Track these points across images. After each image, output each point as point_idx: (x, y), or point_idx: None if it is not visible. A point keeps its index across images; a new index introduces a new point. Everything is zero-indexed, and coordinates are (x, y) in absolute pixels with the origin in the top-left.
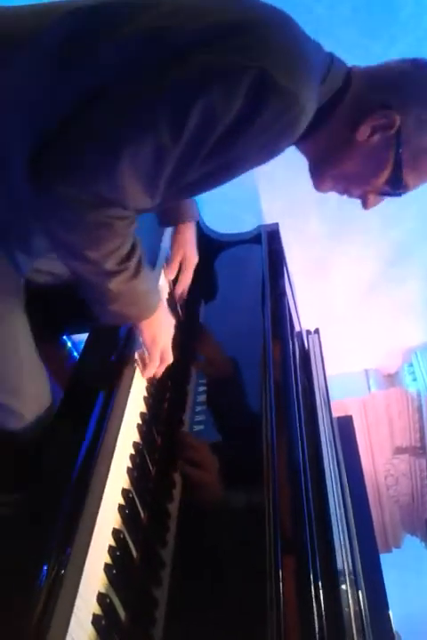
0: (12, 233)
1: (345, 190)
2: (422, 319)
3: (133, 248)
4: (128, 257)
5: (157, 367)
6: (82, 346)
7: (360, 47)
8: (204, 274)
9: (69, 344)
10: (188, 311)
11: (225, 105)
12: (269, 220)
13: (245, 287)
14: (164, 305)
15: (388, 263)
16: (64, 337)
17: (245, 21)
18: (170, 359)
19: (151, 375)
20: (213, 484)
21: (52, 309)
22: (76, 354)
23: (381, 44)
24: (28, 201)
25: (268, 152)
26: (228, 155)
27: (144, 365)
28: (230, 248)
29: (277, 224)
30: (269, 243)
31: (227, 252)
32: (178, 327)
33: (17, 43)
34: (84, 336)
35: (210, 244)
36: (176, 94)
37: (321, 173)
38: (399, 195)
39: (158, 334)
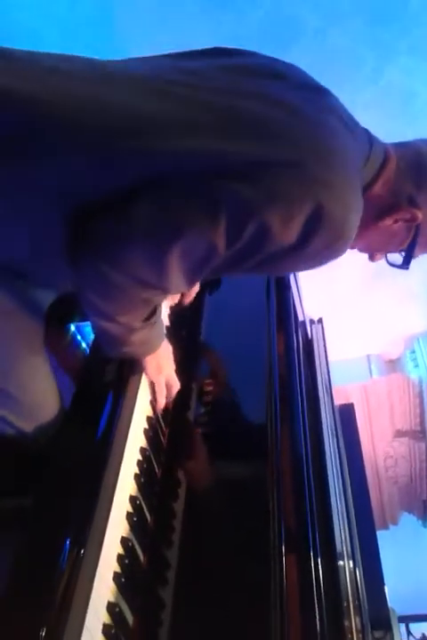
0: (39, 282)
1: (356, 250)
2: (425, 306)
3: (156, 305)
4: (152, 314)
5: (165, 395)
6: (90, 340)
7: (370, 36)
8: None
9: (73, 328)
10: (191, 304)
11: (281, 228)
12: None
13: (249, 279)
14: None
15: None
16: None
17: (310, 151)
18: (177, 385)
19: (163, 404)
20: (218, 476)
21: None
22: (79, 337)
23: (391, 34)
24: (57, 261)
25: (311, 267)
26: (272, 266)
27: (154, 396)
28: None
29: None
30: None
31: None
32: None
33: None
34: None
35: None
36: (239, 207)
37: None
38: (407, 268)
39: (162, 363)
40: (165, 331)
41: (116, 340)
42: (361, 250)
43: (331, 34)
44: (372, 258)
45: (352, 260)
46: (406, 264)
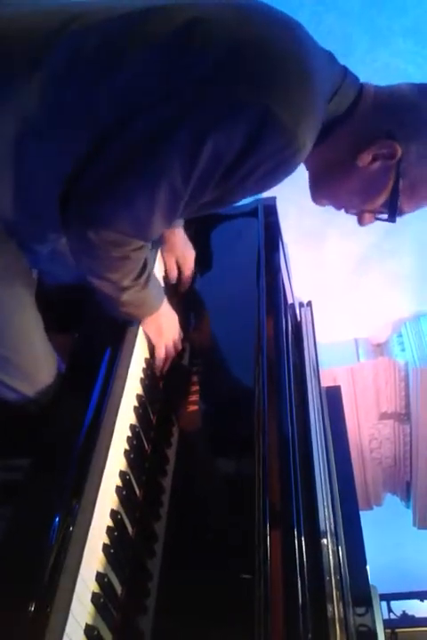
0: (26, 238)
1: (341, 207)
2: (413, 291)
3: (145, 265)
4: (140, 274)
5: (164, 359)
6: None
7: (365, 18)
8: (200, 247)
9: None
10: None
11: (229, 143)
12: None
13: (240, 261)
14: (165, 300)
15: (382, 235)
16: None
17: (253, 48)
18: (177, 349)
19: (161, 366)
20: (205, 455)
21: (65, 308)
22: None
23: (385, 17)
24: (52, 225)
25: (268, 181)
26: (232, 182)
27: (153, 358)
28: (227, 221)
29: (274, 198)
30: (265, 216)
31: (223, 225)
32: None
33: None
34: None
35: (206, 217)
36: (186, 140)
37: (319, 188)
38: (394, 220)
39: (163, 327)
40: (163, 295)
41: (110, 298)
42: (344, 204)
43: (327, 17)
44: (361, 220)
45: (341, 244)
46: (391, 216)
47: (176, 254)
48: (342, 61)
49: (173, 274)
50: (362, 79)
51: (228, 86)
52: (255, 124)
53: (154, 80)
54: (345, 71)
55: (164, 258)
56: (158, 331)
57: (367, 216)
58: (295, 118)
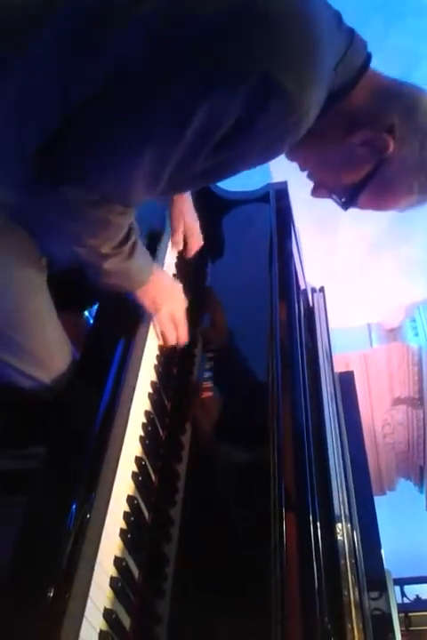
0: (29, 218)
1: (307, 169)
2: (426, 275)
3: (128, 234)
4: (122, 243)
5: (172, 332)
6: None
7: None
8: (211, 233)
9: (86, 313)
10: (194, 271)
11: (226, 110)
12: (276, 176)
13: (252, 246)
14: (162, 271)
15: (394, 219)
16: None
17: (253, 11)
18: (182, 322)
19: (170, 341)
20: (220, 439)
21: (73, 287)
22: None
23: None
24: (34, 189)
25: (269, 152)
26: (228, 154)
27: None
28: (238, 206)
29: (285, 182)
30: (277, 201)
31: (235, 211)
32: (185, 290)
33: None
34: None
35: (218, 203)
36: (177, 101)
37: (298, 145)
38: (347, 208)
39: (158, 298)
40: (151, 266)
41: (92, 266)
42: (312, 168)
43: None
44: (315, 190)
45: (353, 230)
46: (348, 202)
47: (184, 220)
48: None
49: (180, 242)
50: (374, 61)
51: (222, 54)
52: (255, 94)
53: (140, 50)
54: (352, 35)
55: (171, 223)
56: (153, 304)
57: (323, 190)
58: (299, 84)
